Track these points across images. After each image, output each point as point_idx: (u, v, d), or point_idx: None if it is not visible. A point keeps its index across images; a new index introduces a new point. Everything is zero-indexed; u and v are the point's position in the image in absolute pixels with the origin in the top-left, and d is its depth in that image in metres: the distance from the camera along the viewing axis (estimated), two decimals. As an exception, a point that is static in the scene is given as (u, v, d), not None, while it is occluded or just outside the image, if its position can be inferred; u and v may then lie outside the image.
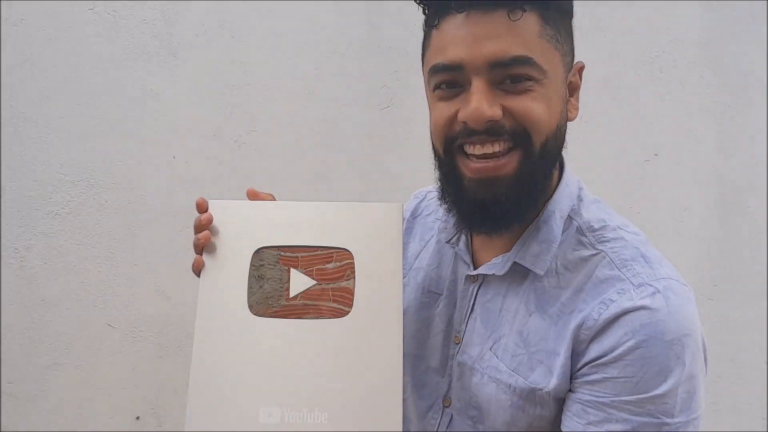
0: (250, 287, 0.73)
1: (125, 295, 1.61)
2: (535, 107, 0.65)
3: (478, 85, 0.65)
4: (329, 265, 0.75)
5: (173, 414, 1.62)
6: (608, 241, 0.70)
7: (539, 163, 0.66)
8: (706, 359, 0.69)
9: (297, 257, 0.75)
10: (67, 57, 1.58)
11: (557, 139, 0.67)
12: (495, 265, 0.73)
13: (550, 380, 0.68)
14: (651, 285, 0.66)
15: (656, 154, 1.76)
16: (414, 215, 0.90)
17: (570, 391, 0.68)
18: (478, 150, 0.67)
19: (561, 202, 0.72)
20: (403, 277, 0.85)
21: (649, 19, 1.74)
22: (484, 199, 0.68)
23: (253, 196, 0.79)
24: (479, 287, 0.76)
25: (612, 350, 0.64)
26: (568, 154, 0.75)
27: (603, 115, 1.72)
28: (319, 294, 0.74)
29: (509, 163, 0.66)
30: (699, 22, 1.75)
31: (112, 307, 1.61)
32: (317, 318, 0.73)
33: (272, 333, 0.71)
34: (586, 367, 0.66)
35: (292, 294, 0.73)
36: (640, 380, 0.63)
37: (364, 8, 1.66)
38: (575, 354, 0.67)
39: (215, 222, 0.74)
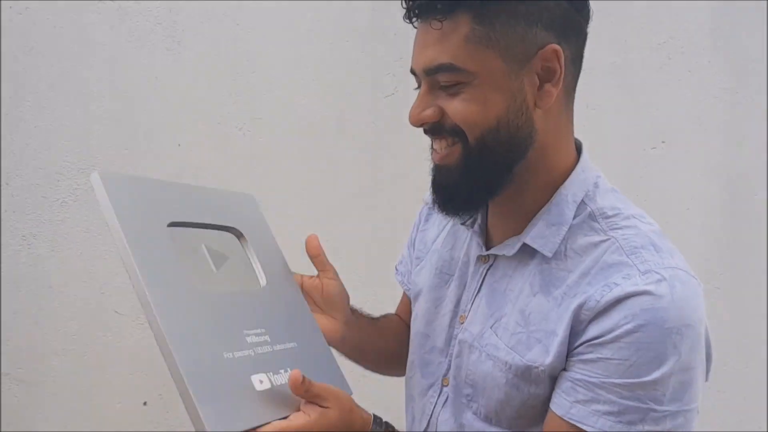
0: (180, 263, 0.69)
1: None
2: (465, 108, 0.68)
3: (422, 89, 0.71)
4: (229, 243, 0.77)
5: (180, 400, 1.64)
6: (620, 228, 0.70)
7: (481, 155, 0.69)
8: (710, 355, 0.69)
9: (203, 234, 0.75)
10: (71, 45, 1.58)
11: (499, 131, 0.68)
12: (506, 246, 0.75)
13: (546, 359, 0.68)
14: (658, 272, 0.66)
15: (663, 142, 1.75)
16: None
17: (564, 369, 0.68)
18: (434, 145, 0.74)
19: (575, 187, 0.73)
20: (419, 260, 0.90)
21: (657, 5, 1.72)
22: (438, 184, 0.74)
23: None
24: (489, 268, 0.77)
25: (609, 332, 0.65)
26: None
27: (610, 102, 1.71)
28: (232, 269, 0.76)
29: (451, 155, 0.71)
30: (708, 8, 1.73)
31: (119, 294, 1.62)
32: (243, 290, 0.75)
33: (223, 306, 0.71)
34: (582, 346, 0.67)
35: (214, 268, 0.73)
36: (632, 364, 0.64)
37: (369, -6, 1.66)
38: (573, 333, 0.67)
39: (117, 196, 0.67)
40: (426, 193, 0.96)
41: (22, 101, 1.58)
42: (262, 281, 0.78)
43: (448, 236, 0.87)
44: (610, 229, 0.70)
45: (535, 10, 0.67)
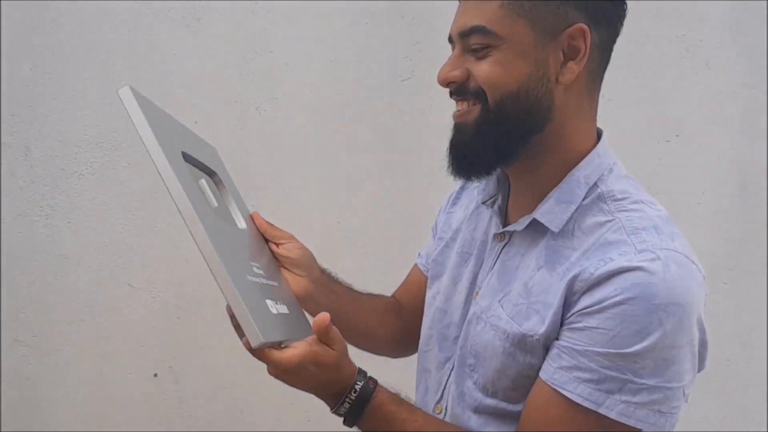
0: (197, 189, 0.72)
1: (145, 256, 1.65)
2: (489, 70, 0.72)
3: (454, 53, 0.76)
4: (211, 186, 0.78)
5: (189, 372, 1.67)
6: (627, 211, 0.72)
7: (498, 118, 0.73)
8: (705, 342, 0.70)
9: (197, 171, 0.78)
10: (92, 20, 1.60)
11: (519, 98, 0.72)
12: (518, 223, 0.78)
13: (541, 328, 0.71)
14: (653, 252, 0.67)
15: (677, 135, 1.75)
16: (463, 187, 0.96)
17: (555, 339, 0.71)
18: (457, 106, 0.78)
19: (588, 169, 0.75)
20: (441, 240, 0.93)
21: (678, -3, 1.71)
22: (453, 142, 0.78)
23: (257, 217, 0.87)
24: (504, 246, 0.80)
25: (599, 302, 0.67)
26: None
27: (626, 93, 1.71)
28: (222, 209, 0.78)
29: (470, 114, 0.75)
30: (729, 3, 1.72)
31: (132, 268, 1.65)
32: (233, 228, 0.77)
33: (231, 236, 0.74)
34: (573, 316, 0.69)
35: (214, 204, 0.76)
36: (616, 335, 0.66)
37: (389, -22, 1.66)
38: (567, 304, 0.70)
39: (147, 113, 0.68)
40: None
41: (43, 75, 1.60)
42: (241, 225, 0.81)
43: (471, 218, 0.90)
44: (617, 211, 0.72)
45: None
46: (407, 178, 1.69)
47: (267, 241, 0.87)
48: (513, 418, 0.75)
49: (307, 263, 0.88)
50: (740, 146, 1.77)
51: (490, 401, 0.76)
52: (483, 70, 0.72)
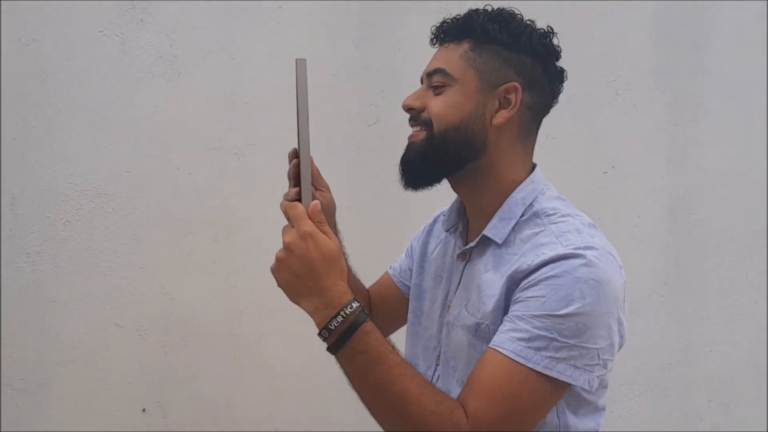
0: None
1: (132, 297, 1.72)
2: (439, 104, 0.90)
3: (421, 87, 0.95)
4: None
5: (177, 406, 1.74)
6: (555, 223, 0.89)
7: (441, 144, 0.90)
8: (620, 319, 0.84)
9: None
10: (78, 75, 1.68)
11: (459, 130, 0.89)
12: (474, 242, 0.94)
13: (487, 315, 0.87)
14: (576, 245, 0.84)
15: (613, 167, 1.96)
16: (435, 220, 1.13)
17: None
18: (412, 130, 0.95)
19: (524, 192, 0.92)
20: (422, 268, 1.07)
21: (608, 49, 1.94)
22: (403, 159, 0.95)
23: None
24: (466, 264, 0.96)
25: (534, 279, 0.82)
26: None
27: (567, 132, 1.91)
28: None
29: (418, 136, 0.93)
30: (650, 52, 1.97)
31: (119, 308, 1.71)
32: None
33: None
34: (515, 295, 0.84)
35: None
36: (547, 300, 0.81)
37: (354, 34, 1.81)
38: (509, 292, 0.85)
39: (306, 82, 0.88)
40: (436, 211, 1.15)
41: (30, 126, 1.67)
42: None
43: (441, 246, 1.06)
44: (549, 224, 0.89)
45: (514, 58, 0.91)
46: (376, 212, 1.83)
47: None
48: None
49: (329, 213, 1.05)
50: (667, 175, 1.99)
51: None
52: (435, 104, 0.90)
